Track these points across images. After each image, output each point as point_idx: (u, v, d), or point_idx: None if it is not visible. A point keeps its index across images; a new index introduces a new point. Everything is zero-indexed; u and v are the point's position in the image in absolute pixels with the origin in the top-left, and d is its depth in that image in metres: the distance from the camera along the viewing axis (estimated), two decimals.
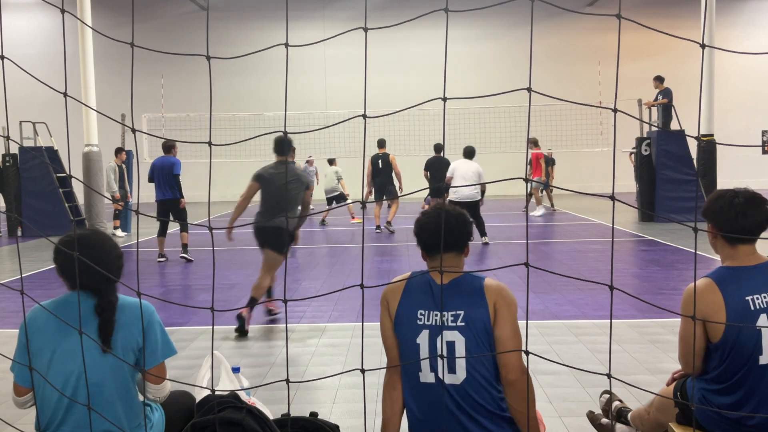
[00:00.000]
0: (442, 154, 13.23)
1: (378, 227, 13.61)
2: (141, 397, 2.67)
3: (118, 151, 14.27)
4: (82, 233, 2.58)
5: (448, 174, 11.28)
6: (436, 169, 12.82)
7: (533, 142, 17.15)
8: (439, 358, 2.44)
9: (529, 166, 17.15)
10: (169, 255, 10.79)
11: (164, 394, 2.71)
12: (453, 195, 11.11)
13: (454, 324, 2.46)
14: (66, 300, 2.58)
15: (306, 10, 25.07)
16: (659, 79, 14.51)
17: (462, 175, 11.01)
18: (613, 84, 23.18)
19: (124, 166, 14.35)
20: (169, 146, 10.60)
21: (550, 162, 17.57)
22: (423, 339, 2.49)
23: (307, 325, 6.25)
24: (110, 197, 13.19)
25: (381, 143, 14.04)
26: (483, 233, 11.37)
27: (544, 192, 17.42)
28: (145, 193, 24.71)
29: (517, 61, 24.90)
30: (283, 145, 6.93)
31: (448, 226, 2.52)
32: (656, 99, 14.55)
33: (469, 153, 11.41)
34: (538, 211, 16.66)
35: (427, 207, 12.31)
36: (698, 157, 13.89)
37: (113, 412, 2.51)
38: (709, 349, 2.64)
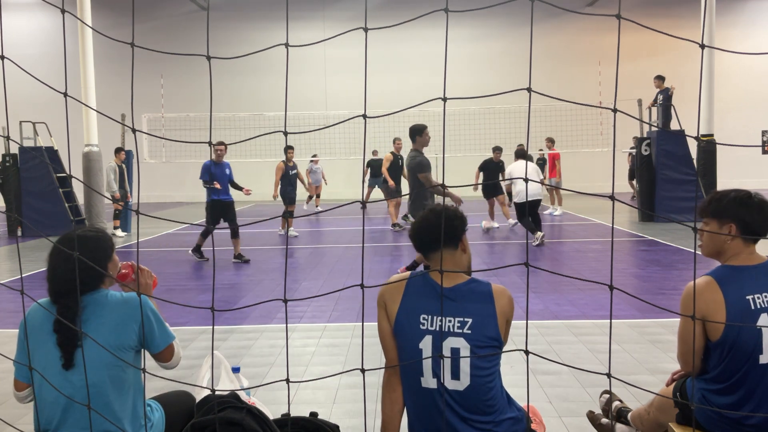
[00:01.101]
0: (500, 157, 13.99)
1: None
2: (141, 397, 2.67)
3: (118, 150, 14.28)
4: (63, 237, 2.61)
5: (507, 177, 11.57)
6: (491, 171, 13.81)
7: (551, 141, 17.24)
8: (441, 364, 2.40)
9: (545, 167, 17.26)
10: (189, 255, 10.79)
11: (178, 362, 2.80)
12: (519, 197, 11.44)
13: (460, 330, 2.41)
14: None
15: (306, 10, 25.07)
16: (660, 78, 14.52)
17: (529, 176, 11.26)
18: (613, 84, 23.18)
19: (123, 166, 14.36)
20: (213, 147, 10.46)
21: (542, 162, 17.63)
22: (426, 344, 2.43)
23: (307, 325, 6.25)
24: (110, 197, 13.18)
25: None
26: (536, 230, 11.31)
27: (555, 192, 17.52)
28: (145, 192, 24.71)
29: (517, 61, 24.89)
30: (412, 132, 7.49)
31: (434, 224, 2.50)
32: (656, 98, 14.56)
33: (523, 154, 11.81)
34: (558, 211, 16.73)
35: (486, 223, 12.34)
36: (698, 157, 13.90)
37: (111, 413, 2.51)
38: (708, 347, 2.64)
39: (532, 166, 11.31)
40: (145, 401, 2.65)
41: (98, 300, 2.57)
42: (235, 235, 10.21)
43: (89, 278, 2.55)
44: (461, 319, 2.42)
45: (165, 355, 2.70)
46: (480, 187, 13.43)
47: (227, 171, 10.35)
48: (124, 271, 2.90)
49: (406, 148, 8.91)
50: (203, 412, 2.80)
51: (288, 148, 13.65)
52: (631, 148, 15.64)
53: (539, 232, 11.28)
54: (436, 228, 2.49)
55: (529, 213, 11.23)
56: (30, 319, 2.59)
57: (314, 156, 19.81)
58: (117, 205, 14.21)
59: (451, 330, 2.41)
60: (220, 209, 10.09)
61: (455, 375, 2.41)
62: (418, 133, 7.47)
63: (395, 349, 2.54)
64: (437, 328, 2.42)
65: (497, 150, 13.97)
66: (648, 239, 11.55)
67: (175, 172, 24.93)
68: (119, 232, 14.04)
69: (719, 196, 2.70)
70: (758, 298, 2.55)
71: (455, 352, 2.40)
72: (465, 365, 2.40)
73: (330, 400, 4.27)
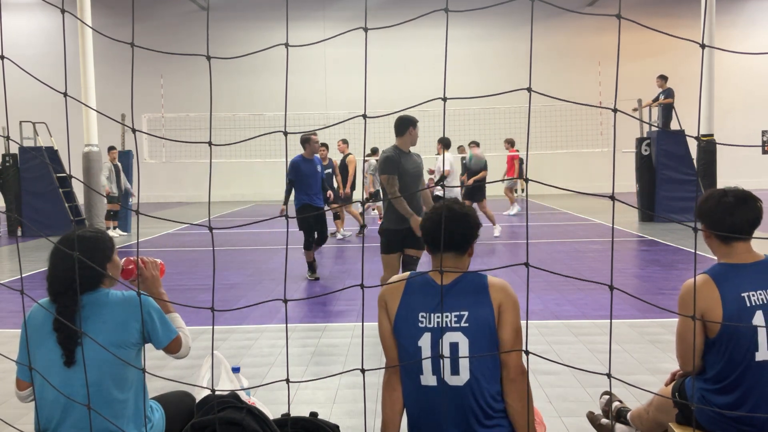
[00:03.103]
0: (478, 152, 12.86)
1: None
2: (142, 396, 2.68)
3: (110, 149, 14.23)
4: (64, 237, 2.63)
5: (447, 167, 11.00)
6: (470, 171, 12.49)
7: (510, 143, 17.46)
8: (441, 360, 2.41)
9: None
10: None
11: (187, 353, 2.83)
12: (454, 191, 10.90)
13: (457, 325, 2.41)
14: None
15: (306, 10, 25.07)
16: (663, 78, 14.51)
17: (447, 167, 11.00)
18: (613, 84, 23.18)
19: (119, 164, 14.33)
20: (303, 140, 8.54)
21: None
22: (425, 342, 2.43)
23: (307, 325, 6.25)
24: (104, 195, 13.17)
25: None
26: None
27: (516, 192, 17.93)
28: (145, 193, 24.70)
29: (517, 61, 24.90)
30: (398, 125, 5.77)
31: (448, 226, 2.49)
32: (657, 98, 14.56)
33: (447, 144, 11.48)
34: (513, 210, 16.85)
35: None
36: (698, 157, 13.90)
37: (113, 411, 2.52)
38: (707, 343, 2.66)
39: (452, 157, 10.98)
40: (146, 400, 2.66)
41: (98, 299, 2.58)
42: (319, 242, 8.65)
43: (87, 277, 2.57)
44: (458, 313, 2.42)
45: (172, 348, 2.75)
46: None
47: (319, 168, 8.53)
48: (129, 267, 2.90)
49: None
50: (203, 412, 2.80)
51: (322, 145, 12.36)
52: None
53: None
54: (447, 231, 2.48)
55: None
56: (31, 319, 2.61)
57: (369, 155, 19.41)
58: (110, 206, 14.14)
59: (449, 325, 2.42)
60: (313, 215, 8.29)
61: (455, 371, 2.41)
62: (408, 123, 5.76)
63: (395, 349, 2.55)
64: (435, 325, 2.42)
65: (473, 144, 12.80)
66: (648, 239, 11.55)
67: (175, 172, 24.92)
68: (112, 233, 13.97)
69: (701, 196, 2.76)
70: (753, 295, 2.58)
71: (454, 347, 2.41)
72: (464, 360, 2.41)
73: (330, 400, 4.27)
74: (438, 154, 11.75)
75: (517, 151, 17.45)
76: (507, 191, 17.71)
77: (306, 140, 8.45)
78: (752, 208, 2.63)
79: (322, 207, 8.66)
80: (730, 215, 2.62)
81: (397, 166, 5.64)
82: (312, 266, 8.59)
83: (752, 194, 2.68)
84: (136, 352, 2.60)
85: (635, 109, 14.83)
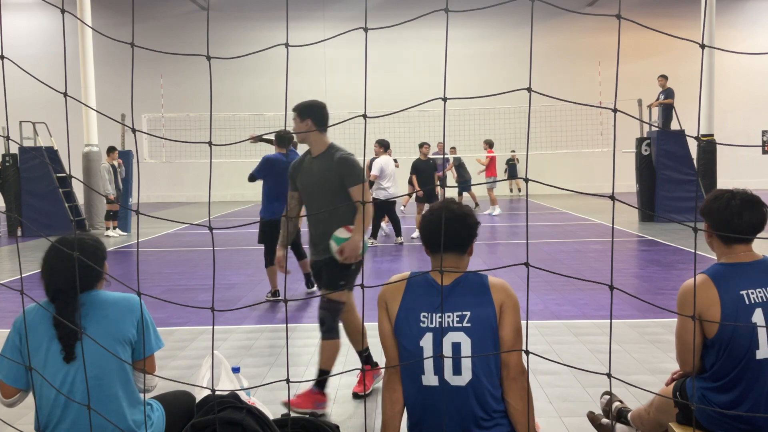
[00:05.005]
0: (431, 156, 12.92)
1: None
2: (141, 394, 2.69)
3: (111, 150, 14.19)
4: (62, 239, 2.63)
5: (374, 172, 11.10)
6: (425, 173, 12.41)
7: (488, 143, 17.61)
8: (443, 360, 2.41)
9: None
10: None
11: (154, 384, 2.76)
12: (383, 194, 11.12)
13: (459, 325, 2.42)
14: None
15: (306, 10, 25.08)
16: (664, 77, 14.51)
17: (391, 173, 11.27)
18: (613, 84, 23.19)
19: (116, 164, 14.30)
20: (289, 139, 7.47)
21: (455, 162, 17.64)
22: (426, 342, 2.43)
23: (307, 325, 6.25)
24: (104, 196, 13.16)
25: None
26: (398, 233, 11.71)
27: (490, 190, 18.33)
28: (145, 192, 24.71)
29: (517, 61, 24.91)
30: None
31: (449, 227, 2.48)
32: (659, 97, 14.56)
33: (387, 146, 11.65)
34: (495, 210, 16.86)
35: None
36: (698, 157, 13.90)
37: (113, 406, 2.54)
38: (706, 344, 2.66)
39: (392, 166, 11.30)
40: (145, 401, 2.67)
41: (96, 297, 2.63)
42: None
43: (89, 277, 2.60)
44: (459, 313, 2.43)
45: (151, 363, 2.71)
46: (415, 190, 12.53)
47: None
48: None
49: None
50: (203, 412, 2.80)
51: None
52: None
53: (400, 237, 11.63)
54: (449, 232, 2.48)
55: (386, 212, 11.43)
56: (26, 321, 2.60)
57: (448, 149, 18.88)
58: (110, 206, 14.12)
59: (451, 325, 2.42)
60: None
61: (457, 370, 2.42)
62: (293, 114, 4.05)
63: (396, 349, 2.55)
64: (437, 325, 2.43)
65: (425, 145, 12.59)
66: (648, 239, 11.55)
67: (175, 172, 24.93)
68: (111, 233, 13.89)
69: (708, 195, 2.76)
70: (752, 293, 2.59)
71: (456, 347, 2.41)
72: (466, 360, 2.41)
73: (330, 400, 4.27)
74: (375, 156, 11.58)
75: (514, 152, 17.56)
76: (489, 191, 18.12)
77: (292, 139, 7.53)
78: (758, 213, 2.65)
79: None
80: (736, 218, 2.62)
81: (293, 178, 4.08)
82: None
83: (759, 198, 2.69)
84: (131, 352, 2.63)
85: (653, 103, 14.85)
